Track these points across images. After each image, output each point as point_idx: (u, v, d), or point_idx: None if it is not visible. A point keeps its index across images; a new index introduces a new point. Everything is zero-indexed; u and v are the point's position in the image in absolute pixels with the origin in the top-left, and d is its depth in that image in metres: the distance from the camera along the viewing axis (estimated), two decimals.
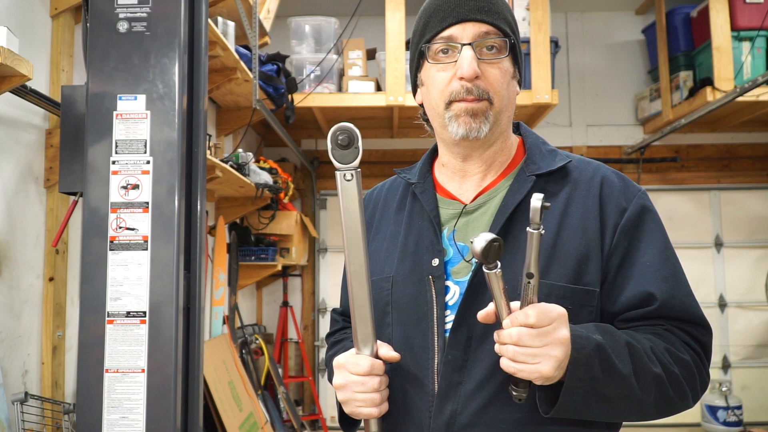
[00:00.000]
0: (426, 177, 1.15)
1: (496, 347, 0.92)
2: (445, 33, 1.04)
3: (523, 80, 1.13)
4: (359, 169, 0.95)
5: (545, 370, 0.87)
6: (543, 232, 0.87)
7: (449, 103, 1.04)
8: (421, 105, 1.16)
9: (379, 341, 1.03)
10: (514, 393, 0.93)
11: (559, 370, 0.88)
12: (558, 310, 0.89)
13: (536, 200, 0.86)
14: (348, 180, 0.95)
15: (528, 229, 0.87)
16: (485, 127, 1.03)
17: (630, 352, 0.93)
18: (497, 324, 0.93)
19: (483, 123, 1.03)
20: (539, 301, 0.90)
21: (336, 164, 0.95)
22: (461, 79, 1.02)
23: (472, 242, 0.86)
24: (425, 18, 1.08)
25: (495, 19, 1.04)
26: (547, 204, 0.86)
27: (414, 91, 1.16)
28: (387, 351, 1.02)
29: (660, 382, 0.94)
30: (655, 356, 0.95)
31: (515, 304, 0.91)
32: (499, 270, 0.87)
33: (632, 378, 0.91)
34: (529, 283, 0.88)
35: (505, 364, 0.90)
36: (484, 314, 0.93)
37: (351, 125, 0.94)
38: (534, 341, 0.87)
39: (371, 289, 0.99)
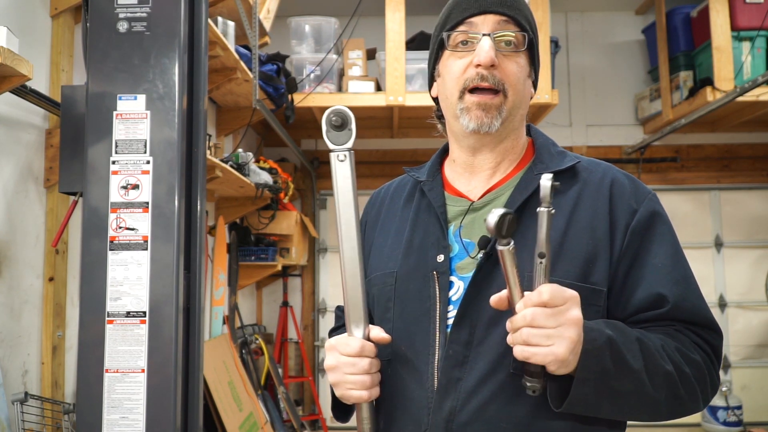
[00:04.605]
0: (435, 175, 1.16)
1: (509, 338, 0.91)
2: (466, 22, 1.06)
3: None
4: (352, 151, 0.99)
5: (560, 351, 0.86)
6: (553, 211, 0.88)
7: (462, 93, 1.05)
8: (435, 100, 1.17)
9: (371, 325, 1.03)
10: (528, 384, 0.92)
11: (573, 355, 0.87)
12: (570, 291, 0.89)
13: (546, 180, 0.87)
14: (341, 160, 0.98)
15: (539, 208, 0.87)
16: (497, 122, 1.04)
17: (641, 348, 0.92)
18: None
19: (495, 118, 1.04)
20: None
21: (330, 145, 0.98)
22: (478, 66, 1.03)
23: (485, 219, 0.87)
24: (447, 11, 1.10)
25: (516, 14, 1.06)
26: (557, 183, 0.87)
27: (430, 86, 1.18)
28: (378, 333, 1.02)
29: (671, 380, 0.93)
30: (666, 354, 0.94)
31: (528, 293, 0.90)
32: (513, 246, 0.87)
33: (643, 374, 0.91)
34: (541, 263, 0.88)
35: (519, 350, 0.88)
36: (496, 299, 0.92)
37: (345, 108, 0.98)
38: (548, 321, 0.86)
39: (364, 273, 1.00)
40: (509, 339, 0.91)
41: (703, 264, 4.93)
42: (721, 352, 1.03)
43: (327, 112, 0.97)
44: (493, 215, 0.86)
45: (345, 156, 0.98)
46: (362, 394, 1.00)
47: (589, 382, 0.89)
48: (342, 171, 0.98)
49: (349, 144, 0.98)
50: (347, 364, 1.00)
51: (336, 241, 4.91)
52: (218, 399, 3.20)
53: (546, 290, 0.87)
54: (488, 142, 1.08)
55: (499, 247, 0.87)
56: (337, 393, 1.04)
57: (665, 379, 0.93)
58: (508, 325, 0.91)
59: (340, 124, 0.97)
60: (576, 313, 0.88)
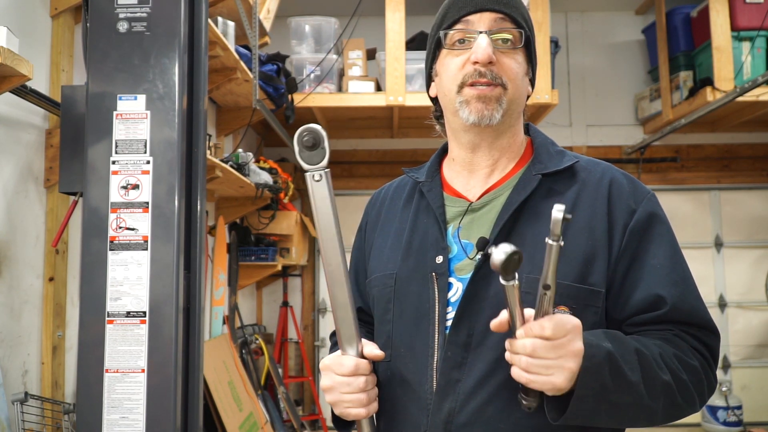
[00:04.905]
0: (434, 175, 1.15)
1: (507, 355, 0.90)
2: (462, 20, 1.06)
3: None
4: (328, 170, 0.95)
5: (558, 381, 0.86)
6: (562, 244, 0.84)
7: (461, 88, 1.04)
8: (433, 100, 1.17)
9: (364, 340, 1.03)
10: (524, 402, 0.92)
11: (572, 382, 0.87)
12: (573, 322, 0.88)
13: (558, 211, 0.82)
14: (317, 181, 0.95)
15: (547, 240, 0.84)
16: (498, 114, 1.04)
17: (639, 360, 0.92)
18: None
19: (495, 110, 1.03)
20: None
21: (304, 165, 0.95)
22: (475, 63, 1.02)
23: (491, 253, 0.83)
24: (444, 10, 1.10)
25: (512, 11, 1.06)
26: (569, 216, 0.83)
27: (428, 86, 1.17)
28: (372, 349, 1.02)
29: (668, 389, 0.93)
30: (664, 363, 0.94)
31: (528, 312, 0.89)
32: (517, 282, 0.85)
33: (641, 386, 0.91)
34: (545, 294, 0.86)
35: (517, 374, 0.88)
36: (497, 323, 0.91)
37: (317, 126, 0.94)
38: (549, 353, 0.86)
39: (352, 289, 0.99)
40: (507, 357, 0.91)
41: (703, 264, 4.93)
42: (718, 354, 1.03)
43: (298, 131, 0.93)
44: (500, 254, 0.81)
45: (321, 176, 0.94)
46: (360, 412, 1.01)
47: (588, 398, 0.89)
48: (319, 192, 0.95)
49: (324, 163, 0.94)
50: (343, 383, 1.00)
51: None
52: (218, 399, 3.20)
53: (549, 325, 0.86)
54: (487, 136, 1.08)
55: (503, 282, 0.85)
56: (336, 411, 1.04)
57: (663, 389, 0.93)
58: (507, 346, 0.90)
59: (312, 144, 0.93)
60: (578, 345, 0.87)
